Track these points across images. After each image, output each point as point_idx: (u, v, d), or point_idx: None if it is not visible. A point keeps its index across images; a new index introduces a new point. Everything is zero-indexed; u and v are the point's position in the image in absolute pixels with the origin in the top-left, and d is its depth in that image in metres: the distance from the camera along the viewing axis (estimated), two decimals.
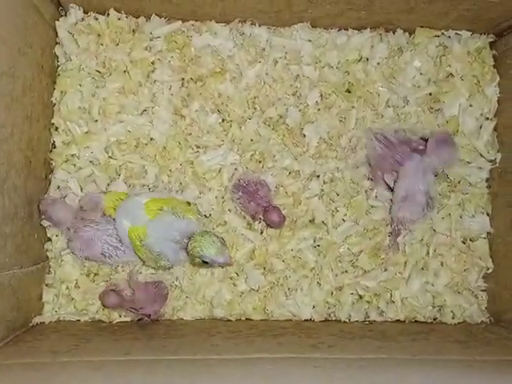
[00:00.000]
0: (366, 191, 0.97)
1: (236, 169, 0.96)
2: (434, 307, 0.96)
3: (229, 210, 0.95)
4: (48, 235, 0.92)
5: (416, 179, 0.91)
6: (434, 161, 0.91)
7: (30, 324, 0.87)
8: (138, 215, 0.84)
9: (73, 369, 0.62)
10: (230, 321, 0.93)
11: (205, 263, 0.80)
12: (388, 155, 0.93)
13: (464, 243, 0.97)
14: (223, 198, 0.95)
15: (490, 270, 0.96)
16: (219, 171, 0.95)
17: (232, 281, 0.95)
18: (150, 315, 0.89)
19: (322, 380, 0.58)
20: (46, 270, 0.92)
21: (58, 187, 0.93)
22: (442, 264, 0.96)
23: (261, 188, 0.92)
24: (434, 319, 0.95)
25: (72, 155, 0.93)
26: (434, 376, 0.61)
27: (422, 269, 0.97)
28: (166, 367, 0.63)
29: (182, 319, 0.93)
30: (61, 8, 0.93)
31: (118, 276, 0.93)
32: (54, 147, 0.93)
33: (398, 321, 0.95)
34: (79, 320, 0.91)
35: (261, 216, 0.93)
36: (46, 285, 0.92)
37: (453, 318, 0.95)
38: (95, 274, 0.93)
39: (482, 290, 0.97)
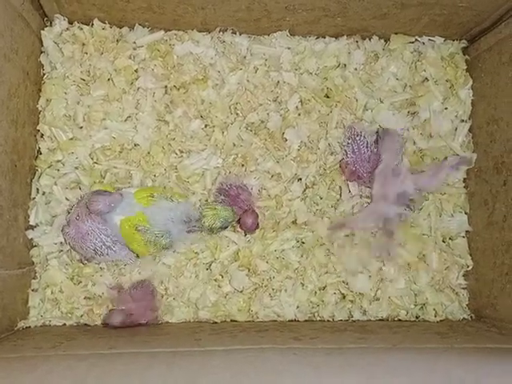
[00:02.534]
0: (348, 191, 0.99)
1: (219, 172, 0.98)
2: (416, 305, 0.97)
3: None
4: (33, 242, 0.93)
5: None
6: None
7: (16, 328, 0.87)
8: (130, 205, 0.87)
9: (57, 360, 0.63)
10: (216, 323, 0.93)
11: (223, 228, 0.93)
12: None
13: (444, 242, 0.99)
14: (207, 201, 0.97)
15: (470, 268, 0.98)
16: (202, 175, 0.97)
17: (216, 282, 0.95)
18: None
19: (300, 364, 0.59)
20: (32, 275, 0.92)
21: (44, 193, 0.94)
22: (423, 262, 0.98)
23: (242, 192, 0.94)
24: (417, 317, 0.97)
25: (57, 161, 0.95)
26: (411, 359, 0.63)
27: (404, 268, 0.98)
28: (148, 357, 0.63)
29: (168, 322, 0.93)
30: (46, 18, 0.95)
31: (101, 277, 0.93)
32: (40, 153, 0.95)
33: (381, 320, 0.96)
34: (65, 324, 0.91)
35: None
36: (32, 290, 0.92)
37: (435, 316, 0.96)
38: (79, 277, 0.93)
39: (463, 288, 0.98)
